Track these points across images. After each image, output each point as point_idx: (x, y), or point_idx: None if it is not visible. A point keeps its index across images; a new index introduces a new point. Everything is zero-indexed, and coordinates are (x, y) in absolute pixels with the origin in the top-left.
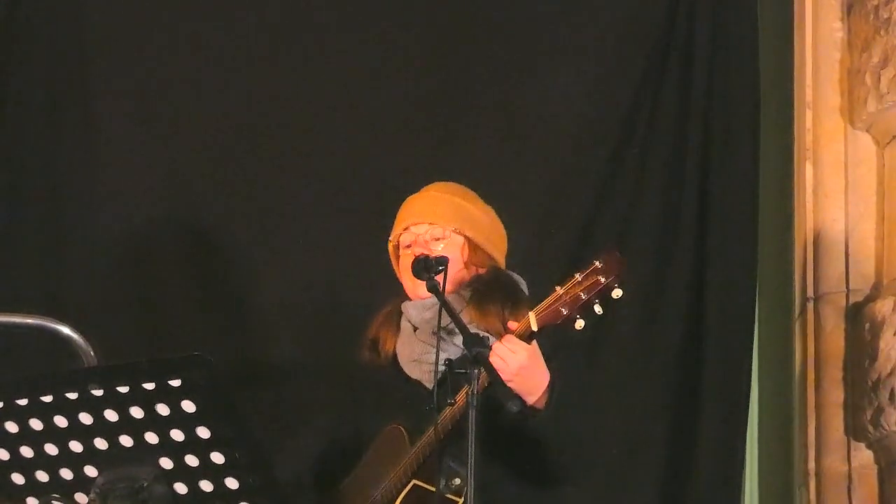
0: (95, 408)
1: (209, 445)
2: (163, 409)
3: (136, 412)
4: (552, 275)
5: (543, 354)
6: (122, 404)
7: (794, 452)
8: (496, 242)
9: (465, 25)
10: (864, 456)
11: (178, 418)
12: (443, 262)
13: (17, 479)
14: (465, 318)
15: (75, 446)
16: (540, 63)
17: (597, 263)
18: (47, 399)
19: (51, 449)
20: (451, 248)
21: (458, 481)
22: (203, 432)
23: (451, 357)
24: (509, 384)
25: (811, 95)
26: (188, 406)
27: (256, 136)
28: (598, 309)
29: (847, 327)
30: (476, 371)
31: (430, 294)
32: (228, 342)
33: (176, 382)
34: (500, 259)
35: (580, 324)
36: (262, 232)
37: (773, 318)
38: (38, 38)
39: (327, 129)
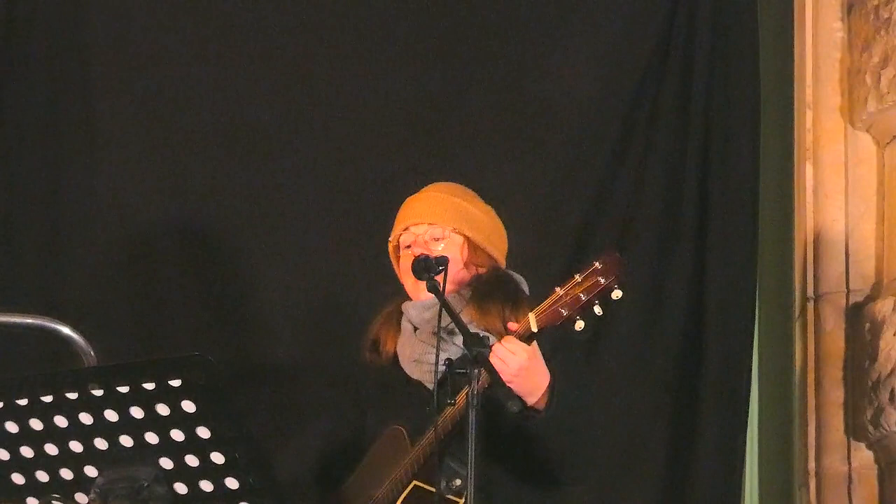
0: (95, 408)
1: (209, 445)
2: (163, 409)
3: (137, 412)
4: (552, 275)
5: (543, 355)
6: (122, 404)
7: (794, 452)
8: (496, 242)
9: (465, 27)
10: (864, 456)
11: (179, 418)
12: (443, 262)
13: (18, 479)
14: (465, 317)
15: (75, 446)
16: (540, 63)
17: (596, 264)
18: (47, 399)
19: (51, 449)
20: (450, 247)
21: (458, 482)
22: (203, 432)
23: (451, 357)
24: (509, 385)
25: (811, 95)
26: (188, 406)
27: (256, 136)
28: (598, 310)
29: (847, 327)
30: (476, 371)
31: (430, 294)
32: (228, 342)
33: (176, 382)
34: (501, 259)
35: (580, 325)
36: (261, 232)
37: (773, 318)
38: (38, 38)
39: (327, 129)
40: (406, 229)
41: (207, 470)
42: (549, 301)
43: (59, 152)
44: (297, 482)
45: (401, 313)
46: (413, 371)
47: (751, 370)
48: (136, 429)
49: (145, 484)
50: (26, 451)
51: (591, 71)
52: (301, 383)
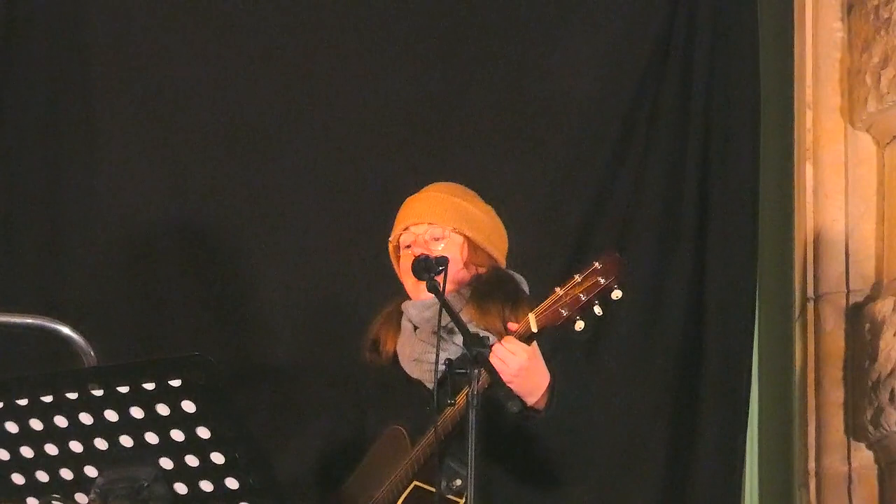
0: (95, 408)
1: (209, 445)
2: (163, 410)
3: (137, 412)
4: (552, 275)
5: (543, 355)
6: (122, 404)
7: (794, 452)
8: (496, 242)
9: (465, 27)
10: (864, 456)
11: (179, 418)
12: (443, 262)
13: (18, 479)
14: (464, 316)
15: (75, 446)
16: (540, 63)
17: (596, 264)
18: (47, 399)
19: (51, 449)
20: (450, 247)
21: (458, 482)
22: (203, 432)
23: (451, 357)
24: (509, 385)
25: (811, 95)
26: (188, 406)
27: (256, 136)
28: (597, 310)
29: (847, 327)
30: (476, 371)
31: (430, 294)
32: (228, 342)
33: (176, 382)
34: (501, 258)
35: (580, 325)
36: (262, 232)
37: (773, 318)
38: (38, 38)
39: (327, 129)
40: (406, 229)
41: (207, 470)
42: (548, 301)
43: (59, 152)
44: (297, 482)
45: (401, 313)
46: (413, 370)
47: (751, 370)
48: (136, 429)
49: (145, 484)
50: (26, 451)
51: (591, 71)
52: (301, 383)
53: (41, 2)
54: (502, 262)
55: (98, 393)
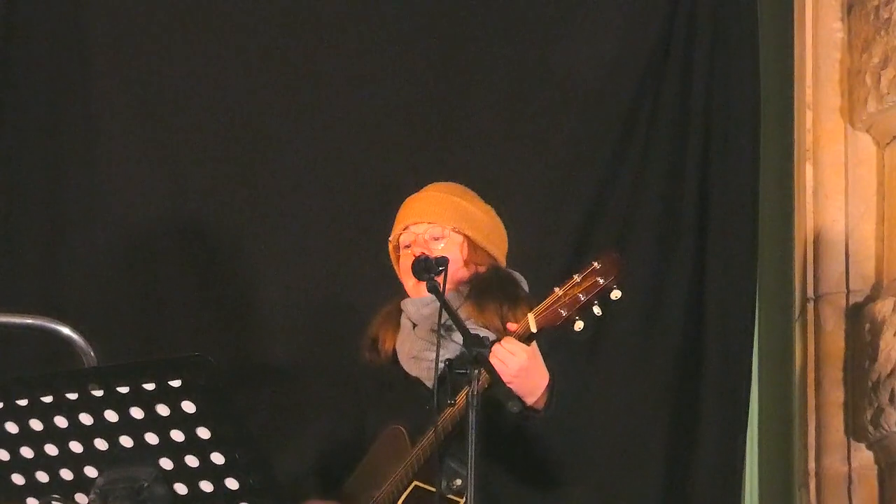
0: (95, 408)
1: (209, 446)
2: (163, 410)
3: (137, 412)
4: (552, 274)
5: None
6: (122, 405)
7: (794, 453)
8: (496, 241)
9: (466, 27)
10: (864, 456)
11: (179, 419)
12: (443, 262)
13: (18, 479)
14: (463, 314)
15: (75, 447)
16: (540, 64)
17: (595, 264)
18: (47, 399)
19: (51, 449)
20: (450, 247)
21: (458, 482)
22: (203, 433)
23: (450, 356)
24: (509, 385)
25: (811, 96)
26: (188, 406)
27: (256, 136)
28: (597, 310)
29: (847, 328)
30: (476, 371)
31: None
32: (228, 342)
33: (176, 383)
34: (501, 258)
35: (579, 325)
36: (262, 232)
37: (773, 318)
38: (38, 38)
39: (328, 129)
40: (406, 229)
41: (207, 470)
42: (547, 301)
43: (59, 152)
44: (297, 482)
45: (400, 312)
46: (412, 368)
47: (751, 370)
48: (136, 429)
49: (145, 484)
50: (26, 452)
51: (591, 71)
52: (301, 383)
53: (41, 2)
54: (502, 262)
55: (98, 393)
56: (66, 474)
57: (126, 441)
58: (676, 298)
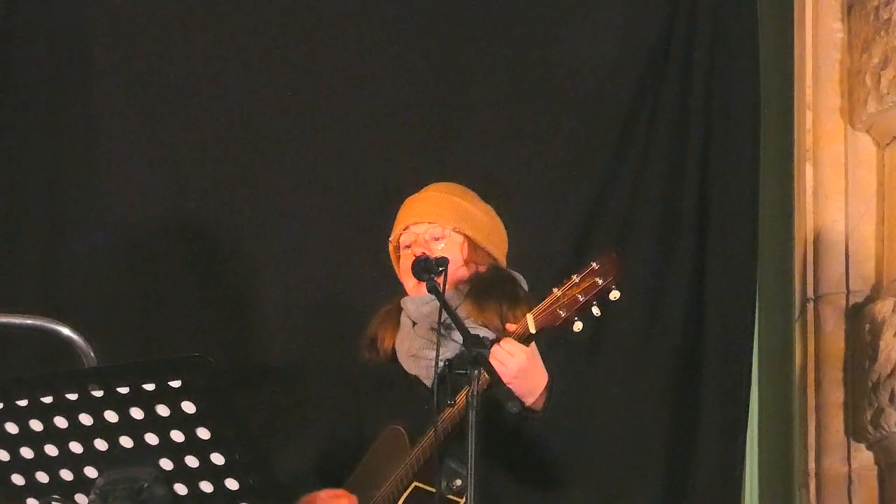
0: (95, 408)
1: (209, 446)
2: (163, 410)
3: (137, 413)
4: (552, 274)
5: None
6: (122, 405)
7: (795, 453)
8: (496, 241)
9: (466, 26)
10: (864, 457)
11: (178, 419)
12: (443, 262)
13: (18, 480)
14: (462, 312)
15: (75, 447)
16: (540, 63)
17: (594, 265)
18: (47, 400)
19: (51, 450)
20: (450, 247)
21: (458, 482)
22: (203, 433)
23: (449, 356)
24: (508, 386)
25: (811, 96)
26: (188, 407)
27: (256, 136)
28: (596, 311)
29: (847, 328)
30: (476, 372)
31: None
32: (228, 342)
33: (176, 383)
34: (501, 258)
35: (578, 326)
36: (262, 232)
37: (773, 318)
38: (38, 38)
39: (328, 129)
40: (406, 228)
41: (207, 471)
42: (546, 302)
43: (59, 152)
44: (297, 482)
45: (400, 311)
46: (411, 367)
47: (751, 370)
48: (136, 430)
49: (145, 485)
50: (26, 452)
51: (591, 71)
52: (301, 383)
53: (41, 2)
54: (502, 262)
55: (98, 394)
56: (66, 475)
57: (126, 441)
58: (676, 298)
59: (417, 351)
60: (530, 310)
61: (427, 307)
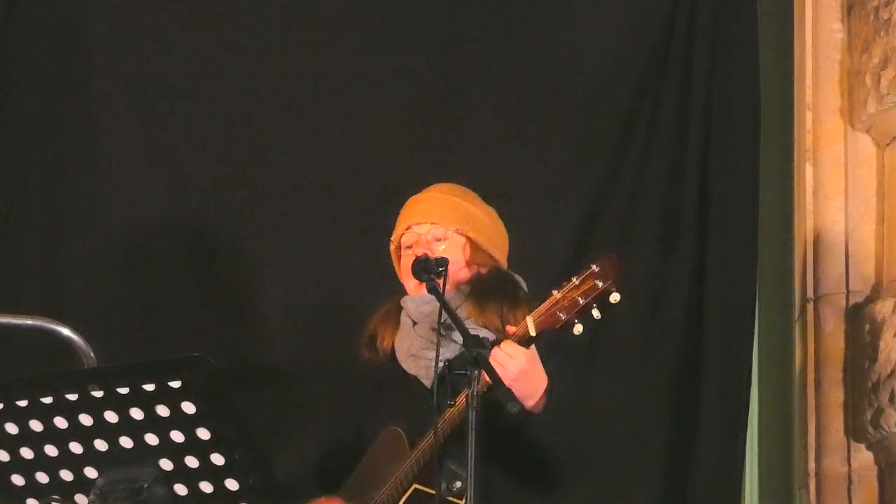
0: (95, 409)
1: (209, 446)
2: (163, 411)
3: (136, 413)
4: (552, 275)
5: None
6: (122, 405)
7: (795, 453)
8: (498, 243)
9: (466, 26)
10: (864, 457)
11: (178, 419)
12: (443, 263)
13: (17, 480)
14: (463, 313)
15: (75, 447)
16: (540, 63)
17: (593, 267)
18: (47, 400)
19: (51, 450)
20: (452, 248)
21: (458, 484)
22: (203, 433)
23: (449, 356)
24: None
25: (811, 96)
26: (188, 407)
27: (257, 136)
28: (596, 313)
29: (847, 328)
30: (476, 372)
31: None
32: (228, 342)
33: (176, 384)
34: (502, 259)
35: (578, 328)
36: (262, 232)
37: (773, 318)
38: (38, 38)
39: (329, 129)
40: (408, 229)
41: (207, 471)
42: (546, 304)
43: (59, 152)
44: (297, 482)
45: (399, 309)
46: (410, 366)
47: (751, 370)
48: (135, 430)
49: (145, 485)
50: (26, 453)
51: (591, 71)
52: (301, 383)
53: (41, 2)
54: (503, 264)
55: (98, 394)
56: (66, 475)
57: (126, 442)
58: (676, 298)
59: (417, 351)
60: (531, 312)
61: (427, 307)
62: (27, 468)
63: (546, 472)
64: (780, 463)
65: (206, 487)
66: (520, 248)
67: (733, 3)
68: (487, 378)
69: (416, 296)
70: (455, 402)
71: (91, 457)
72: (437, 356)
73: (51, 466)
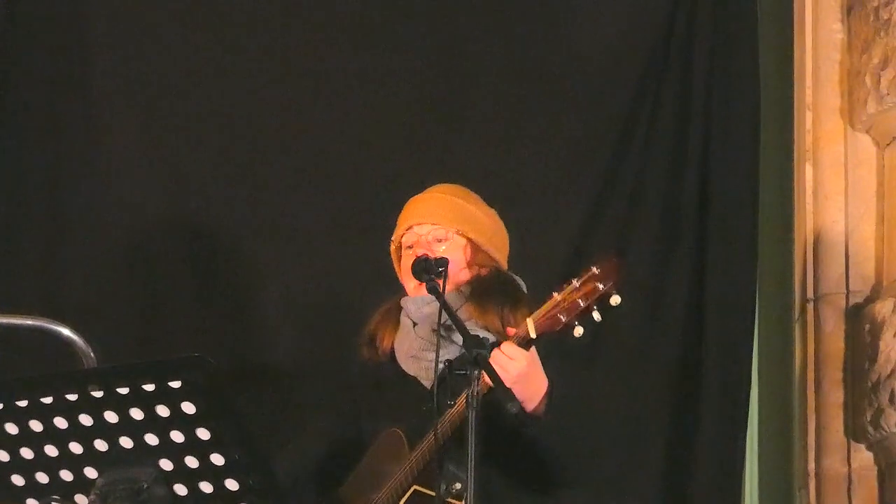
0: (95, 409)
1: (209, 447)
2: (163, 411)
3: (136, 413)
4: (552, 275)
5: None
6: (121, 405)
7: (794, 453)
8: (498, 244)
9: (466, 26)
10: (864, 457)
11: (178, 419)
12: (443, 263)
13: (17, 480)
14: (463, 314)
15: (75, 448)
16: (540, 63)
17: (594, 270)
18: (47, 400)
19: (51, 450)
20: (453, 249)
21: (458, 486)
22: (203, 433)
23: (450, 357)
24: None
25: (811, 97)
26: (188, 407)
27: (257, 137)
28: (596, 316)
29: (847, 328)
30: (476, 372)
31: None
32: (228, 343)
33: (176, 384)
34: (503, 261)
35: (579, 331)
36: (262, 232)
37: (773, 318)
38: (38, 38)
39: (330, 129)
40: (409, 229)
41: (207, 471)
42: (547, 306)
43: (59, 152)
44: (297, 483)
45: (400, 309)
46: (410, 367)
47: (751, 370)
48: (135, 430)
49: (145, 485)
50: (26, 453)
51: (592, 71)
52: (301, 383)
53: (42, 2)
54: (504, 265)
55: (98, 394)
56: (66, 475)
57: (126, 442)
58: (676, 298)
59: (417, 352)
60: (531, 313)
61: (428, 308)
62: (27, 468)
63: (546, 472)
64: (780, 463)
65: (206, 487)
66: (520, 249)
67: (733, 3)
68: (488, 379)
69: (417, 297)
70: (455, 403)
71: (91, 457)
72: (437, 358)
73: (51, 466)
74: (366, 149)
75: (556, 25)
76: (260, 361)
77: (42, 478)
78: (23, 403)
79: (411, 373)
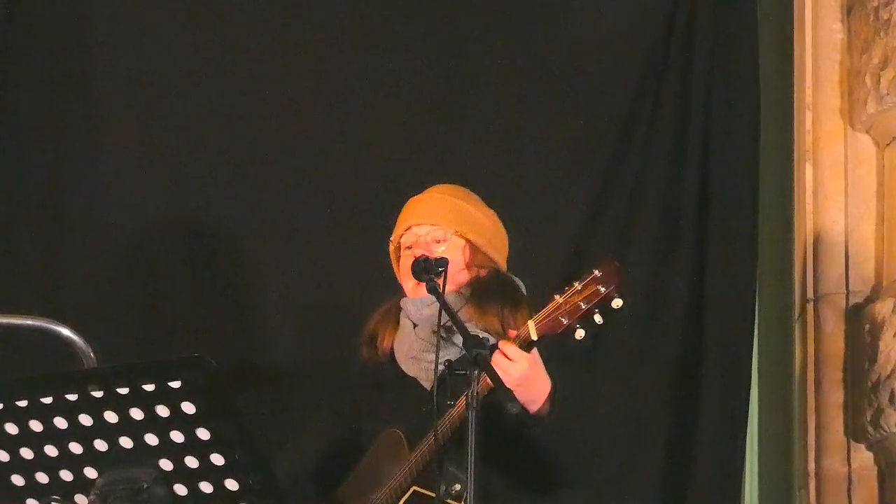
0: (95, 409)
1: (209, 447)
2: (163, 411)
3: (136, 413)
4: (552, 276)
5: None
6: (121, 406)
7: (794, 453)
8: (497, 245)
9: (466, 26)
10: (864, 457)
11: (178, 420)
12: (442, 263)
13: (17, 480)
14: (463, 315)
15: (75, 448)
16: (540, 64)
17: (596, 272)
18: (47, 400)
19: (50, 450)
20: (452, 249)
21: (458, 487)
22: (203, 434)
23: (450, 358)
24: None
25: (811, 97)
26: (188, 407)
27: (258, 136)
28: (597, 318)
29: (847, 328)
30: (476, 373)
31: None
32: (228, 343)
33: (176, 384)
34: (502, 262)
35: (580, 333)
36: (262, 232)
37: (773, 318)
38: (38, 38)
39: (330, 129)
40: (408, 229)
41: (207, 471)
42: (548, 309)
43: (59, 152)
44: (297, 483)
45: (399, 310)
46: (410, 368)
47: (751, 370)
48: (135, 430)
49: (145, 485)
50: (26, 453)
51: (592, 71)
52: (301, 383)
53: (42, 2)
54: (503, 266)
55: (98, 394)
56: (66, 475)
57: (126, 442)
58: (676, 298)
59: (417, 353)
60: (531, 315)
61: (428, 309)
62: (27, 468)
63: (546, 472)
64: (780, 463)
65: (206, 487)
66: (520, 249)
67: (733, 3)
68: (488, 380)
69: (416, 298)
70: (455, 404)
71: (91, 457)
72: (437, 358)
73: (51, 466)
74: (366, 149)
75: (556, 25)
76: (260, 361)
77: (42, 478)
78: (23, 403)
79: (411, 374)
